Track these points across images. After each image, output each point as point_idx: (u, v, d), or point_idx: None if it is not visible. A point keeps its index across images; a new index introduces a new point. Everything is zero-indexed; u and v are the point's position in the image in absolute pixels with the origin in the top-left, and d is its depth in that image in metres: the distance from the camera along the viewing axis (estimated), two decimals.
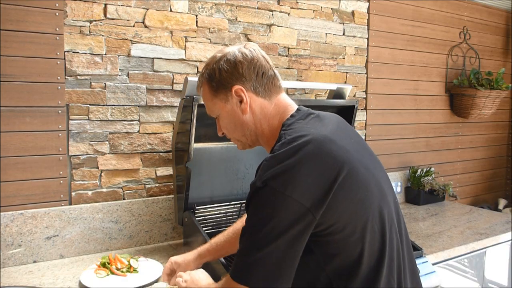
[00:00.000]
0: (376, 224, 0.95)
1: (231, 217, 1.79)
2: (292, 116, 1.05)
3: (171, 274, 1.36)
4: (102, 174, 1.76)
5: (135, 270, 1.51)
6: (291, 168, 0.88)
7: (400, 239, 1.02)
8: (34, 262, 1.61)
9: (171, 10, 1.85)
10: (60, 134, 1.65)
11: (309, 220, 0.87)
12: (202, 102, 1.52)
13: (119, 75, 1.76)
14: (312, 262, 0.95)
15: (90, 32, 1.68)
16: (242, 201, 1.83)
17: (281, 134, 0.99)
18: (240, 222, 1.37)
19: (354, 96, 2.51)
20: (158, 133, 1.87)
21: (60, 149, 1.66)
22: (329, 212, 0.88)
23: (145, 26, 1.79)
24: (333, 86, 2.01)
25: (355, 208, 0.92)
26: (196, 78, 1.56)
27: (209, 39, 1.96)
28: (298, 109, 1.07)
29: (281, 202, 0.86)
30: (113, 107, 1.75)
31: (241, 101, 1.06)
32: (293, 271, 0.90)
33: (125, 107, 1.78)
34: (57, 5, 1.61)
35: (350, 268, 0.93)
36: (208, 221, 1.73)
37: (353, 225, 0.92)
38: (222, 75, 1.05)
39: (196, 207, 1.69)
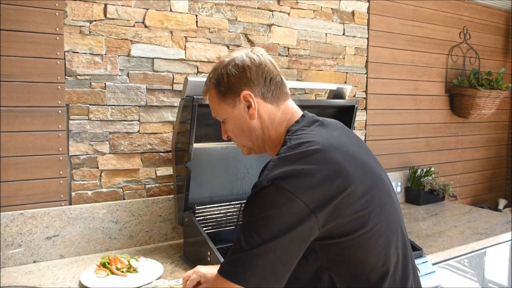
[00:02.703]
0: (383, 227, 0.94)
1: (231, 217, 1.79)
2: (297, 122, 1.05)
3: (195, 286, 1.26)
4: (102, 174, 1.76)
5: (135, 270, 1.51)
6: (299, 171, 0.88)
7: (404, 240, 1.02)
8: (34, 262, 1.61)
9: (171, 10, 1.85)
10: (60, 134, 1.65)
11: (312, 222, 0.86)
12: (202, 102, 1.53)
13: (119, 75, 1.76)
14: (315, 262, 0.94)
15: (90, 32, 1.68)
16: (242, 201, 1.83)
17: (286, 139, 1.00)
18: None
19: (354, 96, 2.51)
20: (158, 133, 1.87)
21: (60, 149, 1.66)
22: (334, 218, 0.88)
23: (145, 26, 1.79)
24: (333, 86, 2.01)
25: (360, 214, 0.91)
26: (196, 78, 1.56)
27: (209, 39, 1.96)
28: (303, 115, 1.07)
29: (287, 201, 0.86)
30: (113, 107, 1.75)
31: (249, 107, 1.05)
32: (287, 275, 0.87)
33: (125, 107, 1.78)
34: (57, 5, 1.61)
35: (354, 272, 0.92)
36: (208, 221, 1.73)
37: (358, 231, 0.91)
38: (230, 80, 1.05)
39: (196, 207, 1.69)
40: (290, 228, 0.85)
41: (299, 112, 1.09)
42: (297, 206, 0.85)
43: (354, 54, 2.48)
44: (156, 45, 1.82)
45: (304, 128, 1.01)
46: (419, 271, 1.67)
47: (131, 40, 1.77)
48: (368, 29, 2.52)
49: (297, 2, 2.22)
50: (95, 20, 1.69)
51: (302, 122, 1.04)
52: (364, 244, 0.92)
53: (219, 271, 0.89)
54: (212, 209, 1.76)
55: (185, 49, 1.90)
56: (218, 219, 1.77)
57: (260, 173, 0.95)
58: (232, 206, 1.80)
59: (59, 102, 1.64)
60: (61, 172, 1.66)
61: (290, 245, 0.86)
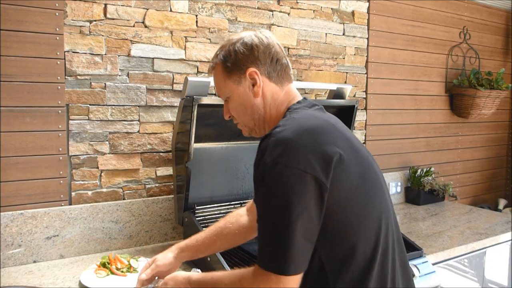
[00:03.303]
0: (375, 212, 0.96)
1: None
2: (298, 102, 1.08)
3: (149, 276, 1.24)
4: (102, 174, 1.76)
5: (135, 270, 1.51)
6: (300, 143, 0.90)
7: (393, 235, 1.03)
8: (34, 262, 1.61)
9: (171, 10, 1.85)
10: (60, 134, 1.65)
11: (324, 189, 0.88)
12: (202, 102, 1.53)
13: (119, 75, 1.76)
14: None
15: (90, 32, 1.68)
16: (242, 201, 1.83)
17: (286, 114, 1.03)
18: (223, 220, 1.34)
19: (354, 96, 2.51)
20: (158, 133, 1.87)
21: (60, 149, 1.66)
22: (336, 182, 0.90)
23: (145, 26, 1.79)
24: (333, 86, 2.01)
25: (354, 191, 0.93)
26: (196, 78, 1.56)
27: (209, 39, 1.96)
28: (304, 98, 1.11)
29: (297, 179, 0.87)
30: (113, 107, 1.75)
31: (253, 84, 1.07)
32: (313, 247, 0.90)
33: (125, 107, 1.78)
34: (57, 5, 1.61)
35: (344, 254, 0.93)
36: (208, 221, 1.73)
37: (351, 208, 0.93)
38: (238, 57, 1.06)
39: (196, 207, 1.69)
40: (307, 206, 0.87)
41: (300, 96, 1.12)
42: (308, 181, 0.87)
43: (354, 54, 2.48)
44: (156, 45, 1.82)
45: (305, 108, 1.05)
46: (419, 271, 1.67)
47: (131, 40, 1.77)
48: (368, 29, 2.52)
49: (297, 2, 2.22)
50: (95, 20, 1.69)
51: (303, 103, 1.07)
52: (355, 226, 0.93)
53: (262, 266, 0.90)
54: (212, 209, 1.76)
55: (185, 49, 1.90)
56: (218, 219, 1.76)
57: (259, 145, 0.96)
58: (232, 206, 1.80)
59: (59, 102, 1.64)
60: (61, 172, 1.66)
61: (311, 221, 0.88)
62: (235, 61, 1.06)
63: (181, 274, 1.13)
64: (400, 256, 1.05)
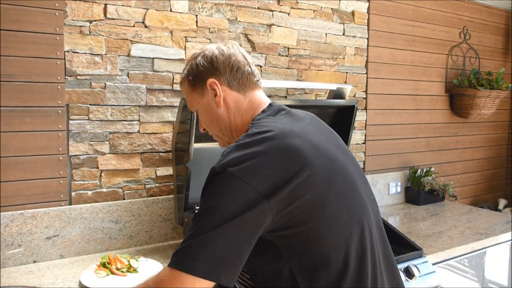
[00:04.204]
0: (343, 219, 0.93)
1: None
2: (263, 111, 1.07)
3: None
4: (102, 174, 1.76)
5: (135, 270, 1.51)
6: (252, 156, 0.88)
7: (372, 238, 0.99)
8: (34, 262, 1.61)
9: (171, 10, 1.85)
10: (60, 134, 1.65)
11: (263, 208, 0.85)
12: None
13: (119, 75, 1.76)
14: (276, 256, 0.94)
15: (90, 32, 1.68)
16: None
17: (248, 128, 1.01)
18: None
19: (354, 96, 2.51)
20: (158, 133, 1.87)
21: (60, 149, 1.66)
22: (290, 202, 0.87)
23: (145, 26, 1.79)
24: (333, 86, 2.01)
25: (318, 201, 0.90)
26: None
27: (209, 39, 1.96)
28: (270, 105, 1.09)
29: (237, 188, 0.85)
30: (113, 107, 1.75)
31: (215, 95, 1.08)
32: (239, 263, 0.85)
33: (125, 107, 1.78)
34: (57, 5, 1.61)
35: (314, 264, 0.91)
36: None
37: (316, 218, 0.90)
38: (199, 70, 1.09)
39: (196, 207, 1.69)
40: (238, 214, 0.84)
41: (266, 102, 1.10)
42: (247, 192, 0.85)
43: (354, 54, 2.48)
44: (156, 45, 1.82)
45: (268, 117, 1.03)
46: (419, 271, 1.67)
47: (131, 40, 1.77)
48: (368, 29, 2.52)
49: (297, 2, 2.22)
50: (95, 20, 1.69)
51: (267, 111, 1.06)
52: (322, 234, 0.91)
53: (169, 264, 0.87)
54: None
55: (185, 49, 1.90)
56: None
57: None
58: None
59: (59, 102, 1.64)
60: (61, 172, 1.66)
61: (239, 231, 0.85)
62: (196, 74, 1.10)
63: None
64: (385, 258, 1.03)
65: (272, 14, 2.14)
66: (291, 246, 0.92)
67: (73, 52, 1.66)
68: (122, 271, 1.49)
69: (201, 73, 1.09)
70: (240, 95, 1.09)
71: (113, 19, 1.72)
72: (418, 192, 2.67)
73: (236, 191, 0.86)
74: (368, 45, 2.53)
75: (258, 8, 2.09)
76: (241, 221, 0.84)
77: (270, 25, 2.14)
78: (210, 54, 1.08)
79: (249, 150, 0.90)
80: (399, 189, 2.72)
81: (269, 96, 2.17)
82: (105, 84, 1.73)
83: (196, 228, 0.86)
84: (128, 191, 1.82)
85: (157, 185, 1.88)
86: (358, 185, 1.01)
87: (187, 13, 1.89)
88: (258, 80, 1.12)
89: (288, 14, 2.20)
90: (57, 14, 1.61)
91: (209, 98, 1.09)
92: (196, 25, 1.92)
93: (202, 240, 0.84)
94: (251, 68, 1.11)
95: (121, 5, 1.73)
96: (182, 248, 0.86)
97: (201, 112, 1.14)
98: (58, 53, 1.62)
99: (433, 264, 1.79)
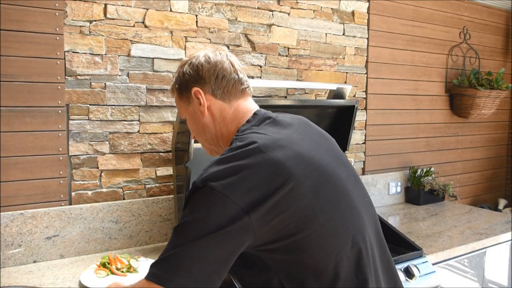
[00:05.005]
0: (333, 227, 0.91)
1: None
2: (247, 121, 1.04)
3: None
4: (102, 174, 1.76)
5: (135, 270, 1.51)
6: (234, 171, 0.87)
7: (366, 244, 0.97)
8: (34, 262, 1.61)
9: (171, 10, 1.85)
10: (60, 134, 1.65)
11: (244, 222, 0.83)
12: None
13: (119, 75, 1.76)
14: (264, 269, 0.93)
15: (90, 32, 1.68)
16: None
17: (232, 140, 0.99)
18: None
19: (354, 96, 2.51)
20: (158, 133, 1.87)
21: (60, 149, 1.66)
22: (274, 217, 0.85)
23: (145, 26, 1.79)
24: (333, 86, 2.01)
25: (305, 213, 0.88)
26: None
27: (209, 39, 1.96)
28: (255, 113, 1.06)
29: (217, 202, 0.84)
30: (113, 107, 1.75)
31: (200, 104, 1.07)
32: (217, 278, 0.84)
33: (125, 107, 1.78)
34: (57, 5, 1.61)
35: (303, 275, 0.90)
36: None
37: (302, 230, 0.88)
38: (185, 78, 1.09)
39: None
40: (218, 228, 0.83)
41: (252, 111, 1.07)
42: (228, 206, 0.84)
43: (354, 54, 2.48)
44: (156, 45, 1.82)
45: (252, 128, 1.00)
46: (419, 271, 1.67)
47: (131, 40, 1.77)
48: (368, 29, 2.52)
49: (297, 2, 2.22)
50: (95, 20, 1.69)
51: (252, 121, 1.03)
52: (311, 245, 0.89)
53: (145, 276, 0.86)
54: None
55: (185, 49, 1.90)
56: None
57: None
58: None
59: (59, 102, 1.64)
60: (61, 172, 1.67)
61: (218, 245, 0.83)
62: (182, 82, 1.10)
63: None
64: (382, 261, 1.02)
65: (272, 14, 2.14)
66: (278, 259, 0.91)
67: (73, 52, 1.66)
68: (122, 271, 1.49)
69: (187, 82, 1.08)
70: (225, 104, 1.07)
71: (113, 19, 1.72)
72: (418, 192, 2.67)
73: (216, 206, 0.84)
74: (368, 45, 2.53)
75: (258, 8, 2.09)
76: (221, 235, 0.83)
77: (270, 25, 2.14)
78: (196, 62, 1.07)
79: (231, 164, 0.88)
80: (399, 189, 2.72)
81: (269, 96, 2.18)
82: (105, 84, 1.73)
83: (176, 240, 0.86)
84: (128, 191, 1.82)
85: (157, 185, 1.89)
86: (349, 190, 0.98)
87: (187, 13, 1.89)
88: (246, 88, 1.10)
89: (288, 14, 2.20)
90: (57, 14, 1.61)
91: (194, 107, 1.08)
92: (196, 25, 1.92)
93: (180, 253, 0.83)
94: (238, 76, 1.08)
95: (121, 5, 1.73)
96: (160, 260, 0.86)
97: (189, 121, 1.13)
98: (58, 53, 1.62)
99: (433, 264, 1.80)
